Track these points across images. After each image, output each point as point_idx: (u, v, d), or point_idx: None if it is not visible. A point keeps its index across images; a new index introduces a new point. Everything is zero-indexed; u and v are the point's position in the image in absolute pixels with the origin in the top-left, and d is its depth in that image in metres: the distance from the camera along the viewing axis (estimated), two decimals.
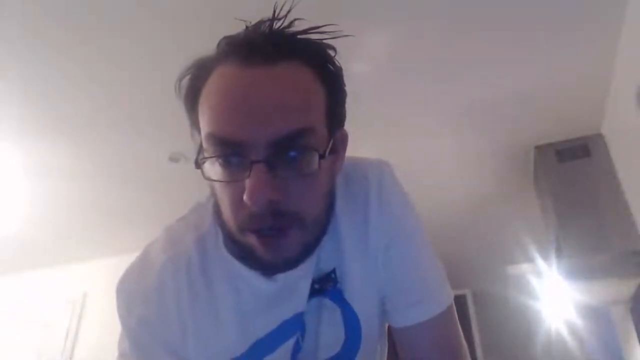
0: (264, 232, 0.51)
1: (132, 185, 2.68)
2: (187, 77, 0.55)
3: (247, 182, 0.47)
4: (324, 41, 0.54)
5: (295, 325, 0.61)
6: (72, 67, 1.88)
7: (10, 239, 3.20)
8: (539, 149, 2.39)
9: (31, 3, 1.60)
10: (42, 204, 2.83)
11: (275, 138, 0.48)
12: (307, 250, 0.55)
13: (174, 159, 2.43)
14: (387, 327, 0.70)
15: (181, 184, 2.28)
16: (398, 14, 1.70)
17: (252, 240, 0.52)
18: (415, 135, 2.39)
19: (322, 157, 0.50)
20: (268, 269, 0.56)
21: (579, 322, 2.35)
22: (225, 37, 0.54)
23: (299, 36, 0.53)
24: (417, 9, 1.68)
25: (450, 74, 2.00)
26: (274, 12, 0.52)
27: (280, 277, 0.58)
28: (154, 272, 0.61)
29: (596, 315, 2.36)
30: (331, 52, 0.55)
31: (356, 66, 1.89)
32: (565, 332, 2.41)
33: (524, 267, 2.09)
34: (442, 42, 1.83)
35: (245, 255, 0.54)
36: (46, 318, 3.49)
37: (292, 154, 0.49)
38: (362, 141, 2.38)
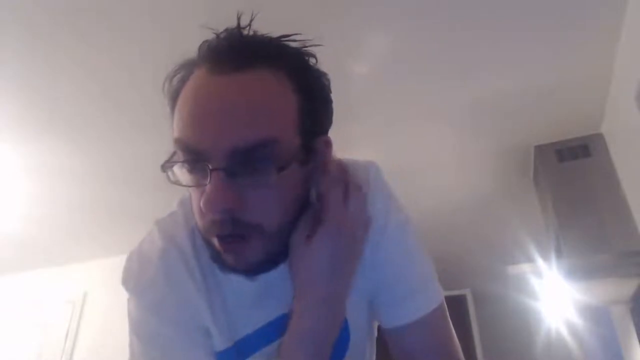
0: (225, 238, 0.51)
1: (132, 185, 2.68)
2: (174, 77, 0.56)
3: (205, 190, 0.48)
4: (302, 47, 0.54)
5: (281, 327, 0.61)
6: (72, 67, 1.88)
7: (10, 239, 3.20)
8: (539, 148, 2.39)
9: (31, 3, 1.60)
10: (42, 204, 2.83)
11: (235, 147, 0.48)
12: (273, 257, 0.55)
13: None
14: (376, 330, 0.70)
15: None
16: (398, 14, 1.70)
17: (216, 244, 0.52)
18: (415, 135, 2.39)
19: (282, 169, 0.49)
20: (238, 272, 0.56)
21: (579, 322, 2.35)
22: (206, 41, 0.54)
23: (272, 43, 0.53)
24: (417, 9, 1.68)
25: (450, 74, 2.00)
26: (238, 19, 0.52)
27: (262, 276, 0.58)
28: (155, 260, 0.61)
29: (596, 315, 2.36)
30: (310, 59, 0.55)
31: (356, 67, 1.89)
32: (565, 332, 2.41)
33: (524, 267, 2.09)
34: (441, 42, 1.83)
35: (214, 257, 0.55)
36: (46, 318, 3.49)
37: (253, 163, 0.49)
38: (361, 141, 2.39)
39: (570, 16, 1.73)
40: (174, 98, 0.54)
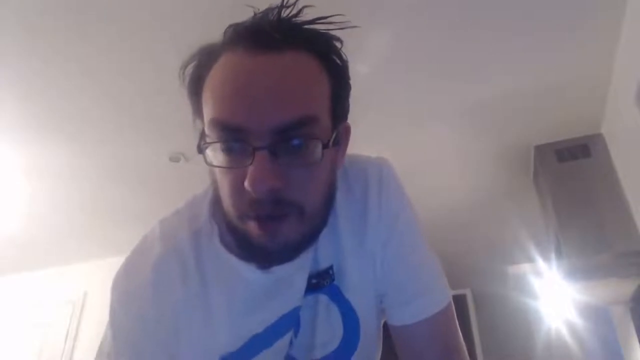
0: (264, 219, 0.50)
1: (132, 185, 2.68)
2: (193, 64, 0.55)
3: (250, 169, 0.47)
4: (331, 32, 0.54)
5: (292, 320, 0.61)
6: (72, 67, 1.88)
7: (10, 239, 3.20)
8: (539, 149, 2.39)
9: (31, 3, 1.60)
10: (42, 204, 2.83)
11: (279, 125, 0.47)
12: (305, 240, 0.55)
13: (174, 159, 2.43)
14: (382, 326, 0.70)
15: (181, 184, 2.28)
16: (398, 14, 1.70)
17: (250, 226, 0.51)
18: (415, 136, 2.39)
19: (325, 147, 0.50)
20: (265, 259, 0.56)
21: (579, 322, 2.35)
22: (232, 25, 0.53)
23: (305, 26, 0.53)
24: (417, 9, 1.68)
25: (450, 74, 2.00)
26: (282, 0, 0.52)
27: (276, 270, 0.58)
28: (149, 267, 0.60)
29: (596, 315, 2.35)
30: (337, 44, 0.55)
31: (356, 66, 1.89)
32: (565, 332, 2.41)
33: (524, 267, 2.09)
34: (441, 42, 1.83)
35: (242, 244, 0.54)
36: (46, 318, 3.49)
37: (296, 142, 0.48)
38: (361, 141, 2.38)
39: (570, 16, 1.73)
40: (197, 85, 0.54)
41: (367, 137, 2.29)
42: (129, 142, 2.33)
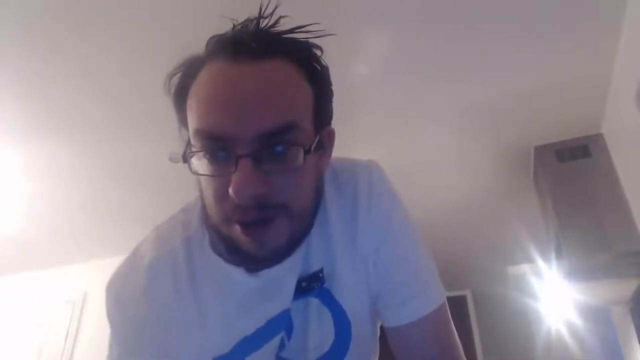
0: (249, 224, 0.51)
1: (132, 185, 2.68)
2: (177, 75, 0.56)
3: (234, 176, 0.48)
4: (310, 40, 0.55)
5: (281, 323, 0.62)
6: (72, 67, 1.88)
7: (10, 239, 3.20)
8: (539, 149, 2.38)
9: (31, 2, 1.60)
10: (42, 204, 2.83)
11: (261, 133, 0.48)
12: (293, 242, 0.55)
13: (174, 159, 2.43)
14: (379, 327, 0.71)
15: (181, 184, 2.28)
16: (397, 15, 1.70)
17: (236, 231, 0.52)
18: (414, 136, 2.39)
19: (307, 152, 0.51)
20: (253, 263, 0.57)
21: (579, 322, 2.35)
22: (214, 36, 0.55)
23: (284, 35, 0.54)
24: (417, 9, 1.68)
25: (450, 75, 2.00)
26: (260, 10, 0.53)
27: (265, 273, 0.59)
28: (142, 272, 0.62)
29: (596, 315, 2.36)
30: (317, 52, 0.56)
31: (355, 67, 1.89)
32: (565, 332, 2.41)
33: (524, 268, 2.09)
34: (441, 42, 1.83)
35: (230, 249, 0.55)
36: (46, 318, 3.49)
37: (278, 148, 0.50)
38: (361, 142, 2.39)
39: (570, 16, 1.73)
40: (181, 95, 0.55)
41: (365, 137, 2.29)
42: (129, 142, 2.33)
